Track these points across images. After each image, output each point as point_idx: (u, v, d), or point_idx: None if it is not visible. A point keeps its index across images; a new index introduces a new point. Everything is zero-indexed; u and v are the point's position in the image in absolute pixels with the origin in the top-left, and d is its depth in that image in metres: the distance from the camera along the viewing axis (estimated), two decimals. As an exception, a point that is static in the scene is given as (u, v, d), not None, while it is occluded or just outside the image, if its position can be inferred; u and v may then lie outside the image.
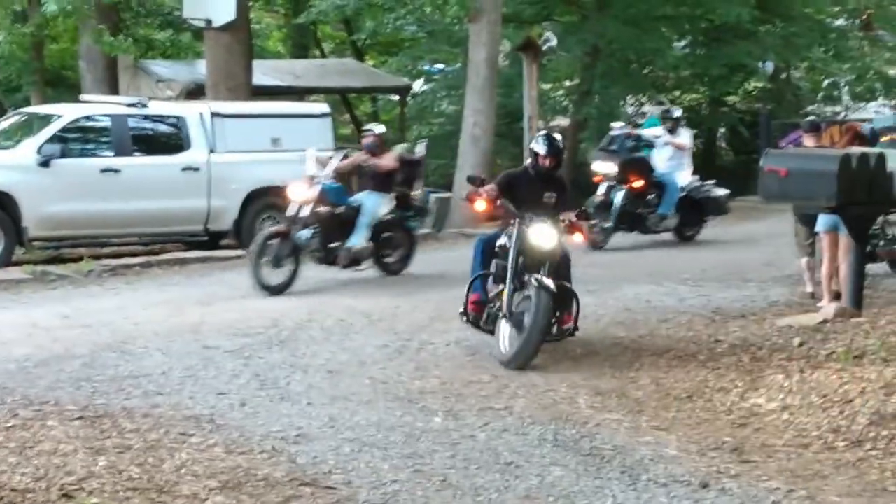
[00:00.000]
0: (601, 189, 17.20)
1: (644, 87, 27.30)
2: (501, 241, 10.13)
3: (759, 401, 8.42)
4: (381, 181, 14.23)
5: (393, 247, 14.55)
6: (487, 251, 10.24)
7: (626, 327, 11.10)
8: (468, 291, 10.18)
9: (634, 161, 17.46)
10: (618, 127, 18.43)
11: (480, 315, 10.13)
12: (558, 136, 11.15)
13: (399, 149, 16.35)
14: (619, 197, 17.02)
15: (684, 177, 17.65)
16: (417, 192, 14.97)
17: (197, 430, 7.42)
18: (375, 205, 14.08)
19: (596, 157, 18.52)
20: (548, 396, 8.60)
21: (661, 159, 17.63)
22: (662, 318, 11.53)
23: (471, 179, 10.92)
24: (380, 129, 15.18)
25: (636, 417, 8.09)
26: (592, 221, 15.05)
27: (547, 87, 27.91)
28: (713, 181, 18.23)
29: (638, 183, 17.10)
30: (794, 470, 6.98)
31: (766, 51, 25.12)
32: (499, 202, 10.24)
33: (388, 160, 14.34)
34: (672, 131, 17.76)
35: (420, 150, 15.87)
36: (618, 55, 25.56)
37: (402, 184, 14.71)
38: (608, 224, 16.93)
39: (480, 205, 10.32)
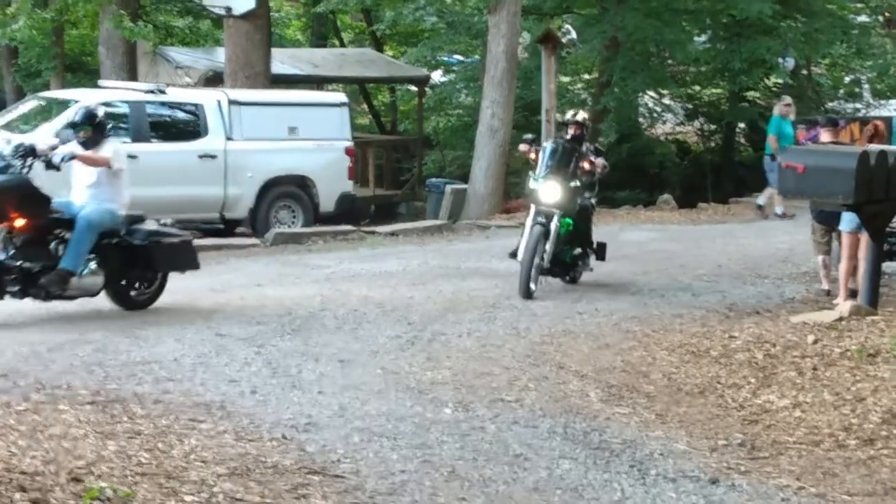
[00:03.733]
0: None
1: (664, 81, 27.19)
2: None
3: (771, 397, 8.40)
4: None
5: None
6: None
7: (639, 321, 11.07)
8: None
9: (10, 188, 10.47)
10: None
11: None
12: None
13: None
14: None
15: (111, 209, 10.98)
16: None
17: (207, 417, 7.43)
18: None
19: None
20: (559, 389, 8.59)
21: (77, 184, 11.20)
22: (676, 313, 11.50)
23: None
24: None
25: (647, 412, 8.08)
26: None
27: (566, 79, 27.84)
28: (171, 220, 12.04)
29: (20, 222, 10.50)
30: (805, 467, 6.96)
31: (788, 46, 24.98)
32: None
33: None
34: (91, 142, 10.98)
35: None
36: (638, 48, 25.46)
37: None
38: None
39: None
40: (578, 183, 12.63)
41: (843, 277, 11.72)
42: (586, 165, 12.62)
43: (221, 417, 7.45)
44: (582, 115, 13.43)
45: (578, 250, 12.84)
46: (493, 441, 7.21)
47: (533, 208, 12.42)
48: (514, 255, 12.56)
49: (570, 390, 8.58)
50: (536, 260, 12.07)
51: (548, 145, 12.90)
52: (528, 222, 12.39)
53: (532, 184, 12.60)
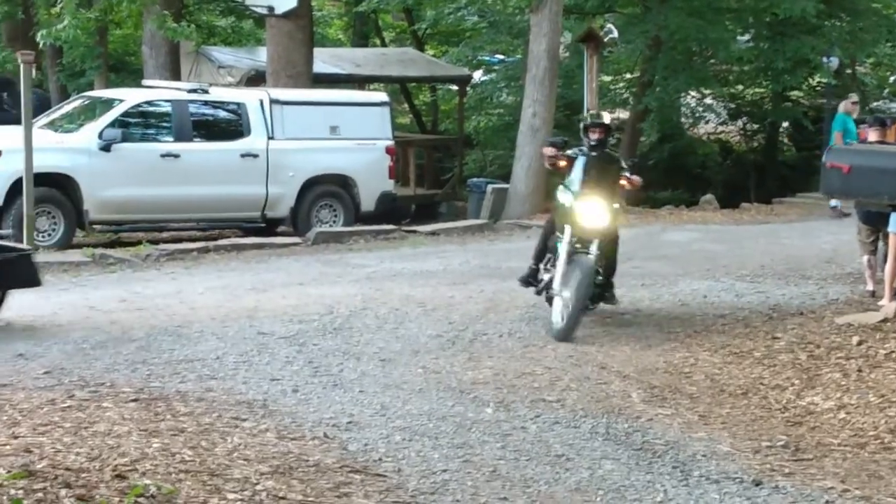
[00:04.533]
0: None
1: (706, 80, 27.06)
2: None
3: (815, 399, 8.34)
4: None
5: None
6: None
7: (681, 322, 11.01)
8: None
9: None
10: None
11: None
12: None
13: None
14: None
15: None
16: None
17: (250, 415, 7.46)
18: None
19: None
20: (600, 390, 8.55)
21: None
22: (719, 313, 11.43)
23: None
24: None
25: (690, 413, 8.03)
26: None
27: (607, 78, 27.77)
28: (8, 231, 12.42)
29: None
30: (850, 469, 6.90)
31: (832, 45, 24.81)
32: None
33: None
34: None
35: None
36: (680, 47, 25.36)
37: None
38: None
39: None
40: (618, 205, 10.96)
41: (888, 278, 11.60)
42: (627, 184, 10.98)
43: (264, 416, 7.48)
44: (608, 117, 11.70)
45: (601, 279, 10.73)
46: (534, 441, 7.19)
47: (568, 230, 10.49)
48: (528, 282, 11.17)
49: (612, 391, 8.55)
50: (578, 297, 10.16)
51: (581, 155, 10.84)
52: (564, 248, 10.45)
53: (564, 197, 10.73)
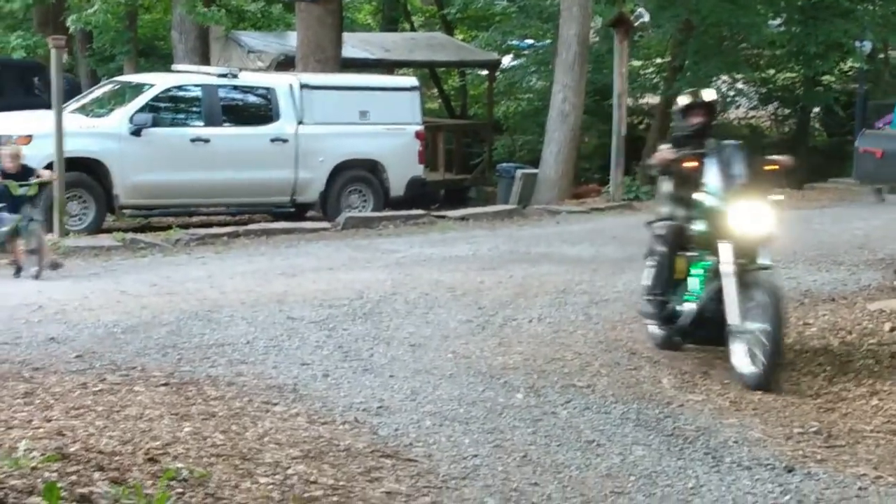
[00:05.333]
0: None
1: (737, 65, 26.91)
2: None
3: (847, 385, 8.29)
4: None
5: None
6: None
7: (712, 308, 10.93)
8: None
9: None
10: None
11: None
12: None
13: None
14: None
15: None
16: None
17: (280, 400, 7.47)
18: None
19: None
20: (631, 375, 8.52)
21: None
22: (750, 299, 11.34)
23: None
24: None
25: (721, 399, 7.99)
26: None
27: (637, 63, 27.65)
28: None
29: None
30: (883, 456, 6.84)
31: (865, 29, 24.62)
32: None
33: None
34: None
35: None
36: (711, 31, 25.24)
37: None
38: None
39: None
40: (780, 195, 8.81)
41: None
42: (778, 167, 8.83)
43: (294, 400, 7.49)
44: (710, 93, 9.45)
45: None
46: (565, 427, 7.17)
47: (727, 247, 8.32)
48: (662, 319, 9.02)
49: (643, 376, 8.52)
50: (775, 328, 8.05)
51: (713, 150, 8.63)
52: (729, 269, 8.30)
53: (714, 201, 8.49)
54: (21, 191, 12.38)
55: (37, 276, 12.07)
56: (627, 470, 6.41)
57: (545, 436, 6.95)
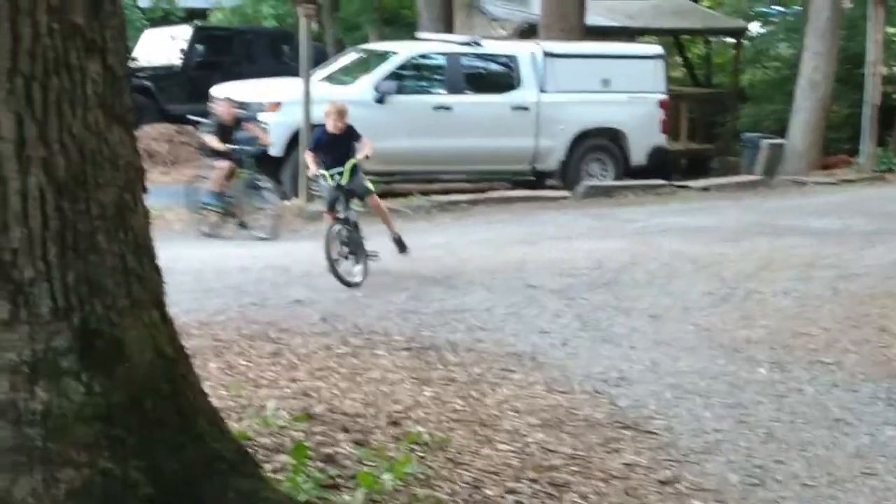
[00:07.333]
0: None
1: None
2: None
3: None
4: None
5: None
6: None
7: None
8: None
9: None
10: None
11: None
12: None
13: None
14: None
15: None
16: None
17: (518, 367, 7.47)
18: None
19: None
20: (881, 353, 8.19)
21: None
22: None
23: None
24: None
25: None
26: None
27: (893, 30, 26.49)
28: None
29: None
30: None
31: None
32: None
33: None
34: None
35: None
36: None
37: None
38: None
39: None
40: None
41: None
42: None
43: (532, 368, 7.48)
44: None
45: None
46: (811, 404, 6.94)
47: None
48: None
49: (894, 354, 8.17)
50: None
51: None
52: None
53: None
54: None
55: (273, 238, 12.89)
56: (877, 451, 6.16)
57: (790, 412, 6.75)
